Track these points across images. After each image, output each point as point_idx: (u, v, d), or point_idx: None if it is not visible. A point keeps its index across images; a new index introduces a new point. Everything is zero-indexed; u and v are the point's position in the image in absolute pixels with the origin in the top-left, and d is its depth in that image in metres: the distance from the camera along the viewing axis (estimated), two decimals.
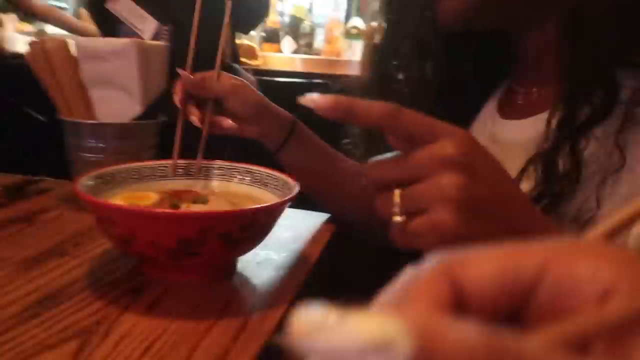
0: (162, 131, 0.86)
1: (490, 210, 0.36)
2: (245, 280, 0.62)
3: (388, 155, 0.37)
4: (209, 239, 0.53)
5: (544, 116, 0.55)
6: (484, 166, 0.35)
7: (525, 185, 0.50)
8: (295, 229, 0.79)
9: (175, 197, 0.63)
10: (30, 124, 1.51)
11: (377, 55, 0.71)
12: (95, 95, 0.81)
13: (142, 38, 0.83)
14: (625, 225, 0.20)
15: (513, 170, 0.44)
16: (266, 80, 1.67)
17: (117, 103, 0.80)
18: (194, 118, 0.72)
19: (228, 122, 0.73)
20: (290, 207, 0.86)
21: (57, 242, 0.68)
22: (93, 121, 0.80)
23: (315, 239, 0.77)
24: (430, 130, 0.35)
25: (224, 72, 0.74)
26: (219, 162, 0.72)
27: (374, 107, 0.35)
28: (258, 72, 1.82)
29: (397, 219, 0.36)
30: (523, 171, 0.51)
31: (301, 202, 0.83)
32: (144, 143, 0.83)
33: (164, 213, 0.53)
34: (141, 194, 0.65)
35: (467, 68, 0.67)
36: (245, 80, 0.75)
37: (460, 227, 0.34)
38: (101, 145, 0.79)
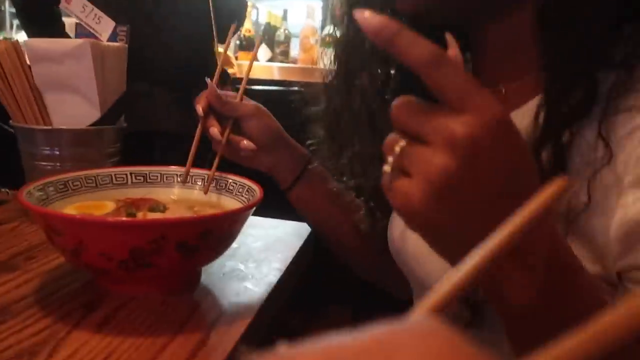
0: (124, 138, 0.82)
1: (473, 208, 0.33)
2: (208, 293, 0.58)
3: (419, 101, 0.33)
4: (165, 248, 0.49)
5: (521, 111, 0.52)
6: (494, 164, 0.32)
7: None
8: (266, 239, 0.76)
9: (132, 206, 0.59)
10: None
11: (341, 56, 0.67)
12: (49, 100, 0.76)
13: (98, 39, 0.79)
14: (451, 298, 0.20)
15: None
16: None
17: (74, 108, 0.76)
18: (215, 130, 0.69)
19: (245, 144, 0.70)
20: (263, 215, 0.84)
21: (10, 256, 0.64)
22: (47, 127, 0.75)
23: (285, 248, 0.73)
24: (461, 98, 0.31)
25: (245, 97, 0.73)
26: (181, 169, 0.68)
27: (418, 46, 0.31)
28: (234, 80, 1.79)
29: (386, 168, 0.34)
30: None
31: (274, 210, 0.80)
32: (103, 150, 0.78)
33: (113, 221, 0.48)
34: (96, 203, 0.61)
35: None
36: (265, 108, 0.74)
37: (424, 208, 0.32)
38: (56, 152, 0.74)
